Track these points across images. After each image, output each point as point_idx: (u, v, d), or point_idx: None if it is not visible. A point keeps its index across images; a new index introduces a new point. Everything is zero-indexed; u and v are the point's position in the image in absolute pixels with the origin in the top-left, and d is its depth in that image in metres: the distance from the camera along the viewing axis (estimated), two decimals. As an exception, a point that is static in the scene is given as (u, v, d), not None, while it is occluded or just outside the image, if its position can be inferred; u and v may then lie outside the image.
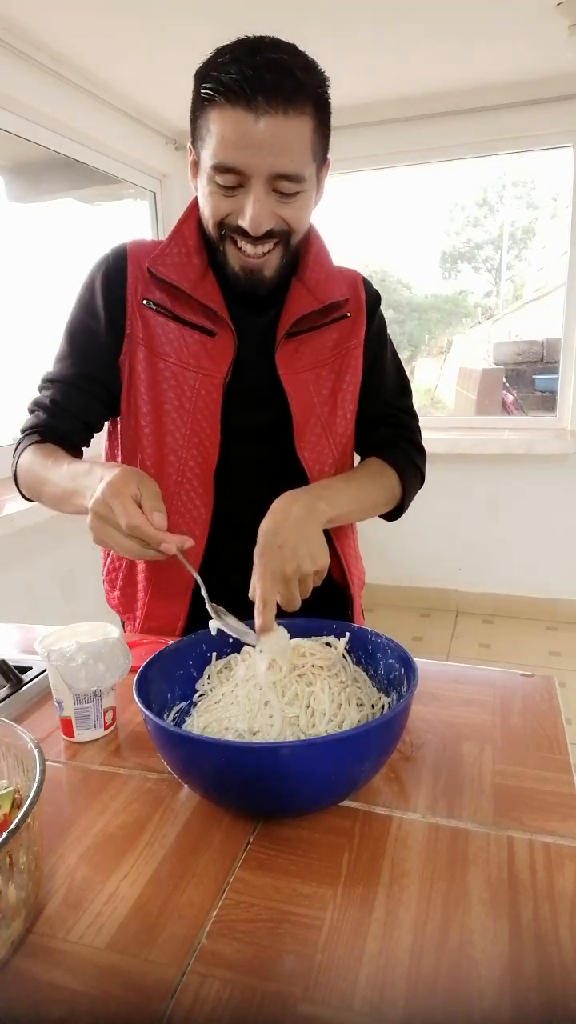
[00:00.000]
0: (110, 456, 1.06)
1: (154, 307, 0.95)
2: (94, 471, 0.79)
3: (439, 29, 2.14)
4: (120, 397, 0.99)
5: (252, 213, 0.82)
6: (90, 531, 0.74)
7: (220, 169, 0.81)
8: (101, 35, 2.07)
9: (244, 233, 0.85)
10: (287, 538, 0.79)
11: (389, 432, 1.07)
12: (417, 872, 0.57)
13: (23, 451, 0.96)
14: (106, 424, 1.05)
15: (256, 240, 0.85)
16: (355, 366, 1.02)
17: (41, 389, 1.00)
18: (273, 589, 0.77)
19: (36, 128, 2.24)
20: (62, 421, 0.97)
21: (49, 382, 0.99)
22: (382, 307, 1.08)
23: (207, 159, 0.83)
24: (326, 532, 0.97)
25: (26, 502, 1.01)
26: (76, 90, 2.32)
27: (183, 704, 0.76)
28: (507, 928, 0.51)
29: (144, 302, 0.95)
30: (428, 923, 0.52)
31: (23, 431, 0.99)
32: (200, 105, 0.82)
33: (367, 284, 1.06)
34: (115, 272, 0.96)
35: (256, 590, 0.77)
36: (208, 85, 0.79)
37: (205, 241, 0.96)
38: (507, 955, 0.49)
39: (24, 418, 1.01)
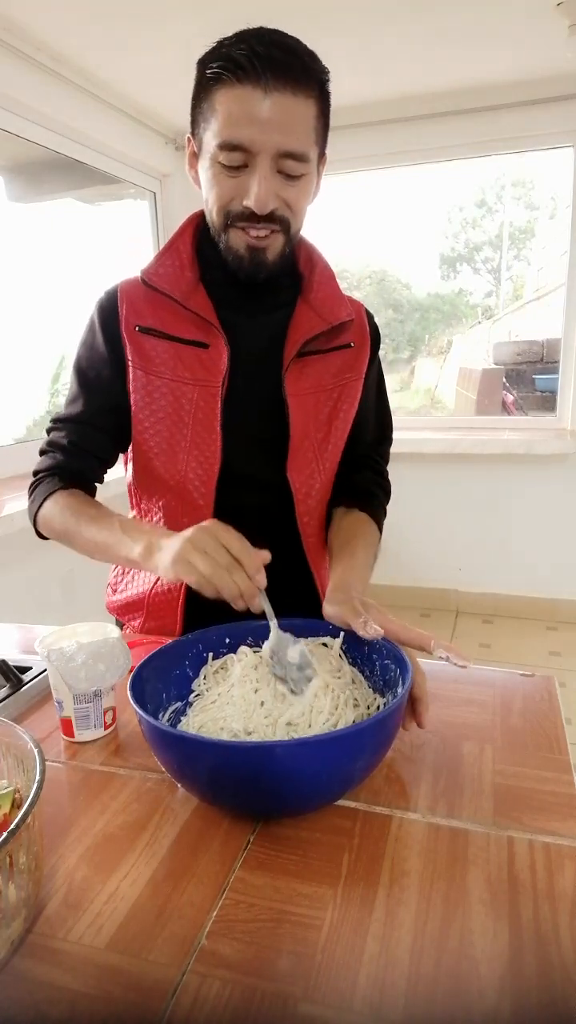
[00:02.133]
0: (134, 475, 1.07)
1: (146, 331, 0.96)
2: (155, 530, 0.83)
3: (439, 29, 2.14)
4: (130, 427, 1.01)
5: (258, 191, 0.82)
6: (177, 562, 0.74)
7: (226, 147, 0.81)
8: (101, 35, 2.07)
9: (249, 218, 0.85)
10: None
11: (370, 477, 1.09)
12: (417, 872, 0.57)
13: (47, 497, 0.97)
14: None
15: (260, 220, 0.86)
16: (351, 399, 1.03)
17: (52, 431, 1.02)
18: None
19: (36, 128, 2.24)
20: (80, 460, 0.99)
21: (62, 422, 1.01)
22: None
23: (211, 139, 0.83)
24: (303, 557, 1.05)
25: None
26: (76, 90, 2.32)
27: (179, 704, 0.76)
28: (507, 928, 0.51)
29: (136, 328, 0.96)
30: (428, 923, 0.52)
31: (38, 473, 1.01)
32: (205, 86, 0.82)
33: (370, 317, 1.08)
34: (109, 310, 0.98)
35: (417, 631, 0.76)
36: (216, 64, 0.79)
37: (198, 256, 0.97)
38: (507, 955, 0.49)
39: (39, 460, 1.02)
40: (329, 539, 1.02)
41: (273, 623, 0.76)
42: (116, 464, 1.07)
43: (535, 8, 2.02)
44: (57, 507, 0.96)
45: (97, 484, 1.04)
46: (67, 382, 1.06)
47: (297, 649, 0.74)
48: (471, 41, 2.24)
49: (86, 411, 0.99)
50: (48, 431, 1.03)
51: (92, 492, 1.02)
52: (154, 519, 1.05)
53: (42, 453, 1.02)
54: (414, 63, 2.40)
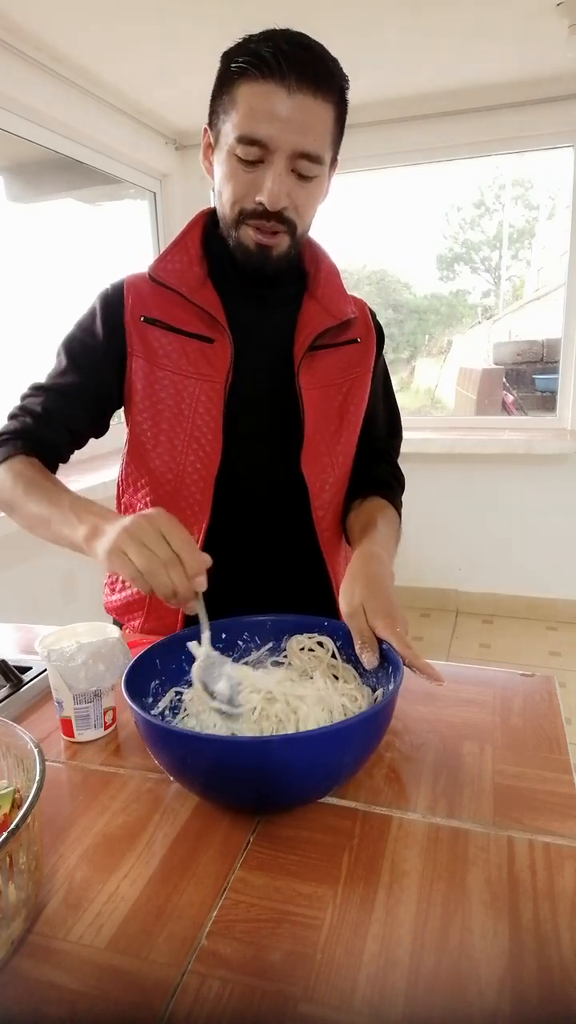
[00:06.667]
0: (125, 468, 1.07)
1: (152, 321, 0.96)
2: (106, 512, 0.79)
3: (439, 29, 2.13)
4: (109, 415, 1.01)
5: (272, 187, 0.83)
6: (111, 552, 0.70)
7: (244, 140, 0.82)
8: (101, 35, 2.07)
9: (260, 215, 0.86)
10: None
11: (386, 469, 1.10)
12: (417, 872, 0.57)
13: (3, 461, 0.91)
14: (125, 436, 1.06)
15: (270, 219, 0.86)
16: (361, 393, 1.04)
17: (28, 396, 0.98)
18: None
19: (36, 128, 2.24)
20: (51, 430, 0.95)
21: (42, 389, 0.98)
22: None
23: (230, 132, 0.83)
24: (318, 551, 1.03)
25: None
26: (76, 90, 2.32)
27: (175, 698, 0.76)
28: (507, 928, 0.51)
29: (142, 318, 0.96)
30: (428, 923, 0.52)
31: (1, 435, 0.95)
32: (228, 80, 0.83)
33: (373, 314, 1.10)
34: (114, 300, 0.98)
35: (405, 642, 0.75)
36: (242, 58, 0.80)
37: (206, 252, 0.98)
38: (507, 955, 0.49)
39: (5, 423, 0.97)
40: (349, 525, 1.03)
41: (206, 635, 0.73)
42: (82, 449, 1.03)
43: (535, 8, 2.02)
44: (10, 474, 0.89)
45: (60, 463, 0.99)
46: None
47: (225, 680, 0.70)
48: (471, 41, 2.24)
49: (71, 385, 0.97)
50: (23, 397, 0.98)
51: (53, 468, 0.97)
52: None
53: (11, 417, 0.97)
54: (413, 63, 2.40)
